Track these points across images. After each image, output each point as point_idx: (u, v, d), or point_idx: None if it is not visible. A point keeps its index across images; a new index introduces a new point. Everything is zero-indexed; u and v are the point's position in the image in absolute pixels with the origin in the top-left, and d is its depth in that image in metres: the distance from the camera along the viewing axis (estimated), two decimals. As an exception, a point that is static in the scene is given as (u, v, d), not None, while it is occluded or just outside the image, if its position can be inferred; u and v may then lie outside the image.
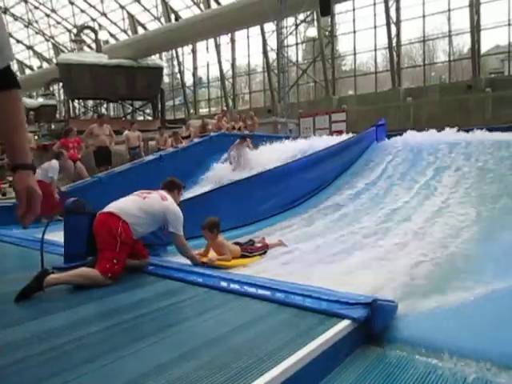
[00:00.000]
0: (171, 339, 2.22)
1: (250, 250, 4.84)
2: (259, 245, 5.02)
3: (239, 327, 2.31)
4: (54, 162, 7.51)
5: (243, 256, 4.74)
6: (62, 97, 29.29)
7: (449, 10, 18.57)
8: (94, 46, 26.55)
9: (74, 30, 29.21)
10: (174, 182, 4.06)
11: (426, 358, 2.16)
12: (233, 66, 26.55)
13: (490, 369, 2.07)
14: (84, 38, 27.70)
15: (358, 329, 2.29)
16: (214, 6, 24.16)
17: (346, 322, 2.25)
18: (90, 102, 28.94)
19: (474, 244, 4.65)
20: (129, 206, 3.54)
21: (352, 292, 2.75)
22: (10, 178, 11.24)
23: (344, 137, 10.23)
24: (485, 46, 18.36)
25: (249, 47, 25.59)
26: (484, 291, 3.13)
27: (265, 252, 4.96)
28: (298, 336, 2.13)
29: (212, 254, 4.62)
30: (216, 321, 2.47)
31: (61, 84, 26.66)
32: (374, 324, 2.36)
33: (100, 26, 30.59)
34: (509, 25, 17.09)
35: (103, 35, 28.65)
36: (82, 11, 31.13)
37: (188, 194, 6.90)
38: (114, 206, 3.56)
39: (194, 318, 2.53)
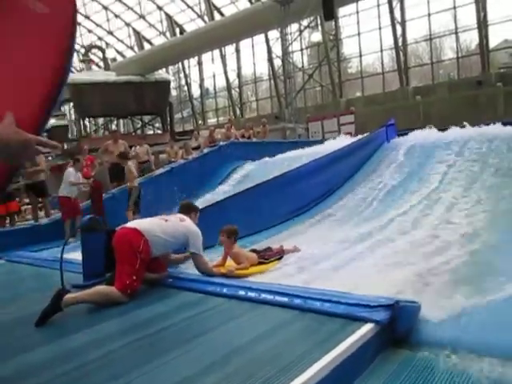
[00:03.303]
0: (194, 352, 2.20)
1: (266, 257, 4.82)
2: (275, 251, 4.99)
3: (260, 336, 2.29)
4: (68, 170, 7.98)
5: (260, 263, 4.72)
6: (73, 116, 29.71)
7: (454, 8, 18.45)
8: (101, 64, 26.95)
9: (82, 50, 29.68)
10: (190, 205, 4.21)
11: (454, 360, 2.11)
12: (239, 75, 26.68)
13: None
14: (92, 57, 28.13)
15: (382, 332, 2.24)
16: (217, 17, 24.38)
17: (369, 326, 2.21)
18: (101, 120, 29.31)
19: (496, 244, 4.56)
20: (153, 227, 3.54)
21: (372, 294, 2.71)
22: (27, 200, 11.39)
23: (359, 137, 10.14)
24: (493, 41, 18.21)
25: (254, 55, 25.72)
26: (508, 293, 3.06)
27: (281, 257, 4.94)
28: (321, 342, 2.10)
29: (229, 263, 4.63)
30: (237, 331, 2.45)
31: (71, 104, 27.05)
32: (397, 326, 2.31)
33: (107, 44, 31.07)
34: (516, 18, 16.93)
35: (110, 53, 29.10)
36: (89, 31, 31.66)
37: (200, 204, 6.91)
38: (137, 223, 3.58)
39: (215, 329, 2.51)
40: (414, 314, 2.48)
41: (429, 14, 19.13)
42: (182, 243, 3.72)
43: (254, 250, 4.95)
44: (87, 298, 3.13)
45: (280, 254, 4.96)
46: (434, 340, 2.30)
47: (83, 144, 12.98)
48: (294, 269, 4.55)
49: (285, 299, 2.74)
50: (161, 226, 3.59)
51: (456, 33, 18.91)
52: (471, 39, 19.00)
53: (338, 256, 4.83)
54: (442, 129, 8.92)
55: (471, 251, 4.41)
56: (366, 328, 2.19)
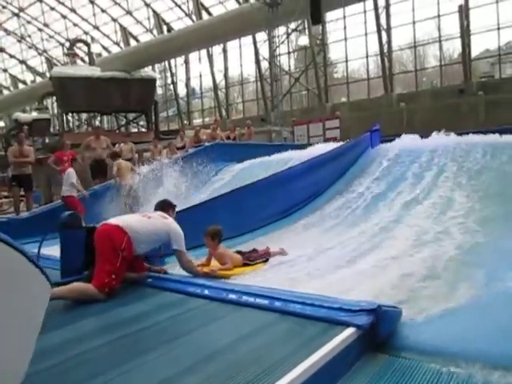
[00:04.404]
0: (174, 352, 2.18)
1: (251, 259, 4.80)
2: (261, 253, 4.97)
3: (242, 338, 2.28)
4: (69, 170, 8.00)
5: (245, 264, 4.71)
6: (56, 110, 29.25)
7: (438, 16, 18.76)
8: (86, 59, 26.58)
9: (67, 44, 29.25)
10: (167, 202, 4.19)
11: (433, 364, 2.14)
12: (225, 75, 26.63)
13: (496, 371, 2.05)
14: (77, 51, 27.73)
15: (363, 336, 2.26)
16: (205, 16, 24.31)
17: (350, 330, 2.22)
18: (84, 115, 28.90)
19: (475, 249, 4.63)
20: (136, 224, 3.52)
21: (355, 299, 2.73)
22: (6, 193, 11.17)
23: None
24: (475, 51, 18.57)
25: (241, 57, 25.71)
26: (485, 296, 3.11)
27: (267, 260, 4.92)
28: (303, 346, 2.10)
29: (214, 263, 4.62)
30: (218, 333, 2.44)
31: (54, 98, 26.62)
32: (379, 331, 2.33)
33: (93, 39, 30.67)
34: (498, 29, 17.28)
35: (96, 48, 28.76)
36: (75, 25, 31.22)
37: (185, 205, 6.87)
38: (120, 220, 3.53)
39: (196, 330, 2.49)
40: (395, 319, 2.51)
41: (413, 22, 19.41)
42: (164, 240, 3.70)
43: (239, 252, 4.92)
44: (63, 294, 3.08)
45: (266, 257, 4.93)
46: (416, 344, 2.32)
47: (65, 139, 12.79)
48: (276, 272, 4.56)
49: (266, 302, 2.73)
50: (143, 223, 3.56)
51: (439, 41, 19.23)
52: (454, 48, 19.38)
53: (320, 260, 4.85)
54: (424, 136, 9.03)
55: (452, 256, 4.47)
56: (348, 332, 2.20)
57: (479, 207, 5.99)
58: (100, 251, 3.34)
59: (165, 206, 4.06)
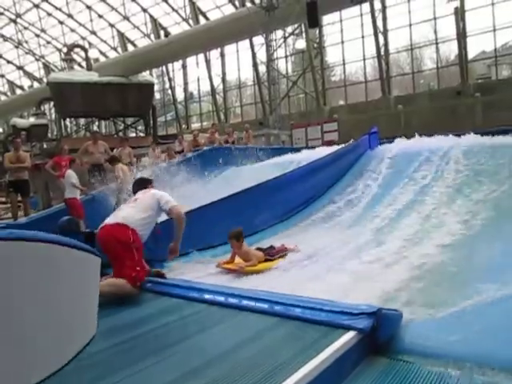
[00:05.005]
0: (174, 358, 2.16)
1: (271, 254, 5.19)
2: (278, 249, 5.38)
3: (242, 343, 2.27)
4: (68, 171, 8.08)
5: (266, 260, 5.09)
6: (54, 116, 29.24)
7: (434, 19, 18.81)
8: (84, 64, 26.60)
9: (64, 49, 29.26)
10: (143, 179, 4.31)
11: (435, 368, 2.12)
12: (223, 80, 26.65)
13: (499, 375, 2.04)
14: (74, 56, 27.74)
15: (364, 340, 2.25)
16: (202, 21, 24.35)
17: (351, 334, 2.20)
18: (82, 121, 28.89)
19: (477, 252, 4.63)
20: (130, 212, 3.57)
21: (355, 302, 2.71)
22: (3, 199, 11.15)
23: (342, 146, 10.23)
24: (471, 53, 18.62)
25: (239, 61, 25.75)
26: (487, 298, 3.10)
27: (284, 255, 5.28)
28: (304, 350, 2.09)
29: (237, 260, 5.01)
30: (218, 337, 2.42)
31: (52, 103, 26.60)
32: (379, 334, 2.32)
33: (90, 44, 30.68)
34: (494, 30, 17.33)
35: (93, 53, 28.74)
36: (72, 30, 31.24)
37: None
38: (116, 217, 3.54)
39: (196, 335, 2.48)
40: (396, 322, 2.49)
41: (410, 25, 19.47)
42: (158, 210, 3.72)
43: (259, 249, 5.33)
44: (102, 289, 3.09)
45: (283, 252, 5.34)
46: (417, 348, 2.31)
47: (63, 144, 12.76)
48: (277, 275, 4.59)
49: (266, 306, 2.72)
50: (136, 208, 3.62)
51: (436, 43, 19.28)
52: (450, 50, 19.41)
53: (320, 262, 4.86)
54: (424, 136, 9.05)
55: (452, 259, 4.47)
56: (349, 336, 2.18)
57: (478, 209, 6.00)
58: (112, 254, 3.35)
59: (143, 184, 4.11)
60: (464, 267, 4.18)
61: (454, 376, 2.06)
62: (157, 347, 2.31)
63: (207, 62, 26.45)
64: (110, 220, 3.56)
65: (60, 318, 1.54)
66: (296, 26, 20.54)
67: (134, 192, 4.05)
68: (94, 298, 1.53)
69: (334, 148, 9.67)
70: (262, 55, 22.30)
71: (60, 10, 29.85)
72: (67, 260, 1.48)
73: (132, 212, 3.57)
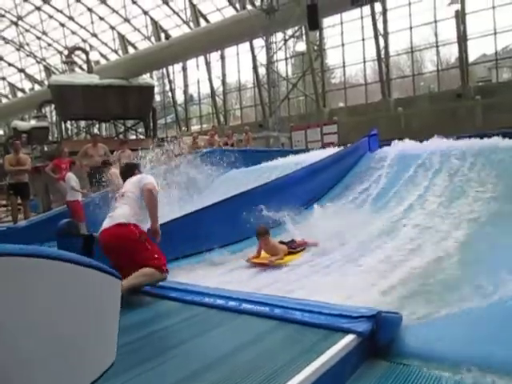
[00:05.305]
0: (173, 362, 2.16)
1: (293, 247, 5.56)
2: (299, 243, 5.72)
3: (241, 346, 2.26)
4: (68, 174, 8.05)
5: (290, 253, 5.42)
6: (55, 118, 29.28)
7: (435, 21, 18.84)
8: (85, 66, 26.63)
9: (66, 52, 29.30)
10: (130, 165, 4.22)
11: (435, 371, 2.12)
12: (223, 82, 26.68)
13: (500, 377, 2.03)
14: (75, 59, 27.79)
15: (364, 343, 2.24)
16: (203, 23, 24.39)
17: (350, 337, 2.20)
18: (83, 123, 28.91)
19: (475, 253, 4.62)
20: (125, 210, 3.55)
21: (354, 305, 2.71)
22: (4, 202, 11.13)
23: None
24: (472, 55, 18.64)
25: (239, 63, 25.78)
26: (487, 300, 3.09)
27: (304, 248, 5.64)
28: (303, 353, 2.08)
29: (264, 255, 5.36)
30: (217, 341, 2.42)
31: (53, 106, 26.63)
32: (379, 337, 2.31)
33: (91, 46, 30.73)
34: (494, 34, 17.35)
35: (94, 56, 28.78)
36: (73, 33, 31.30)
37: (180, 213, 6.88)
38: (113, 218, 3.51)
39: (195, 338, 2.47)
40: (395, 325, 2.49)
41: (410, 28, 19.50)
42: (139, 189, 3.66)
43: (281, 242, 5.61)
44: (136, 279, 3.27)
45: (304, 246, 5.68)
46: (417, 350, 2.31)
47: (64, 146, 12.78)
48: (273, 277, 4.58)
49: (265, 309, 2.71)
50: (127, 203, 3.60)
51: (436, 46, 19.31)
52: (451, 53, 19.43)
53: (318, 266, 4.86)
54: (422, 140, 9.04)
55: (452, 260, 4.46)
56: (348, 339, 2.18)
57: (478, 209, 5.99)
58: (125, 254, 3.38)
59: (131, 171, 4.03)
60: (468, 268, 4.17)
61: (454, 379, 2.06)
62: (156, 351, 2.31)
63: (207, 64, 26.49)
64: (108, 223, 3.54)
65: (76, 344, 1.49)
66: (296, 28, 20.58)
67: (124, 180, 4.01)
68: (114, 323, 1.48)
69: (333, 150, 9.67)
70: (262, 57, 22.36)
71: (61, 12, 29.92)
72: (86, 282, 1.45)
73: (126, 209, 3.55)
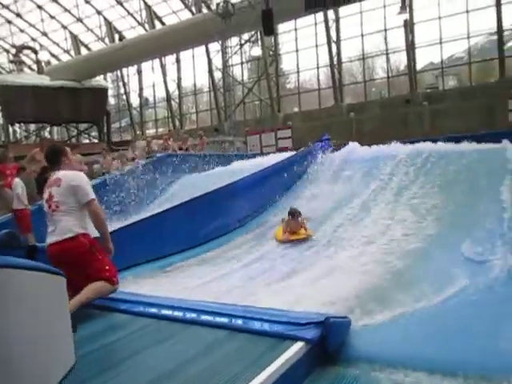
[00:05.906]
0: (122, 377, 2.10)
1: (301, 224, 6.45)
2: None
3: (190, 359, 2.23)
4: (15, 180, 7.43)
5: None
6: (1, 121, 27.96)
7: (385, 30, 19.48)
8: (34, 67, 25.63)
9: (13, 50, 28.03)
10: (55, 150, 3.55)
11: (385, 374, 2.17)
12: (179, 86, 26.40)
13: (444, 378, 2.11)
14: (23, 58, 26.66)
15: (313, 350, 2.26)
16: (158, 26, 24.05)
17: (299, 344, 2.21)
18: (32, 126, 27.76)
19: (416, 260, 4.77)
20: (62, 223, 3.25)
21: (303, 311, 2.73)
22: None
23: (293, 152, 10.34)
24: (420, 63, 19.43)
25: (194, 67, 25.61)
26: (428, 305, 3.20)
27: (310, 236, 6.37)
28: (253, 363, 2.08)
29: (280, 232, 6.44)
30: (167, 353, 2.37)
31: (-1, 107, 25.47)
32: (328, 343, 2.33)
33: (41, 46, 29.55)
34: (440, 43, 18.17)
35: (44, 56, 27.69)
36: (21, 31, 29.96)
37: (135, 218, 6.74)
38: (56, 234, 3.26)
39: (144, 351, 2.41)
40: (344, 330, 2.52)
41: (362, 35, 20.07)
42: (77, 201, 3.28)
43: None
44: (86, 297, 3.09)
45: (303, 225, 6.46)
46: (366, 354, 2.35)
47: (10, 151, 12.22)
48: (228, 284, 4.55)
49: (214, 319, 2.69)
50: (67, 213, 3.27)
51: (387, 54, 19.97)
52: (400, 60, 20.14)
53: (271, 271, 4.89)
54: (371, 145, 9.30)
55: (403, 263, 4.59)
56: (297, 346, 2.19)
57: (430, 214, 6.17)
58: (74, 269, 3.13)
59: (56, 158, 3.47)
60: (416, 273, 4.30)
61: (402, 381, 2.12)
62: (108, 364, 2.25)
63: (163, 67, 26.14)
64: (53, 238, 3.28)
65: (26, 348, 1.43)
66: (252, 33, 20.70)
67: (51, 169, 3.51)
68: (67, 322, 1.40)
69: (286, 155, 9.74)
70: (217, 61, 22.32)
71: (7, 8, 28.58)
72: (27, 283, 1.37)
73: (68, 219, 3.25)
